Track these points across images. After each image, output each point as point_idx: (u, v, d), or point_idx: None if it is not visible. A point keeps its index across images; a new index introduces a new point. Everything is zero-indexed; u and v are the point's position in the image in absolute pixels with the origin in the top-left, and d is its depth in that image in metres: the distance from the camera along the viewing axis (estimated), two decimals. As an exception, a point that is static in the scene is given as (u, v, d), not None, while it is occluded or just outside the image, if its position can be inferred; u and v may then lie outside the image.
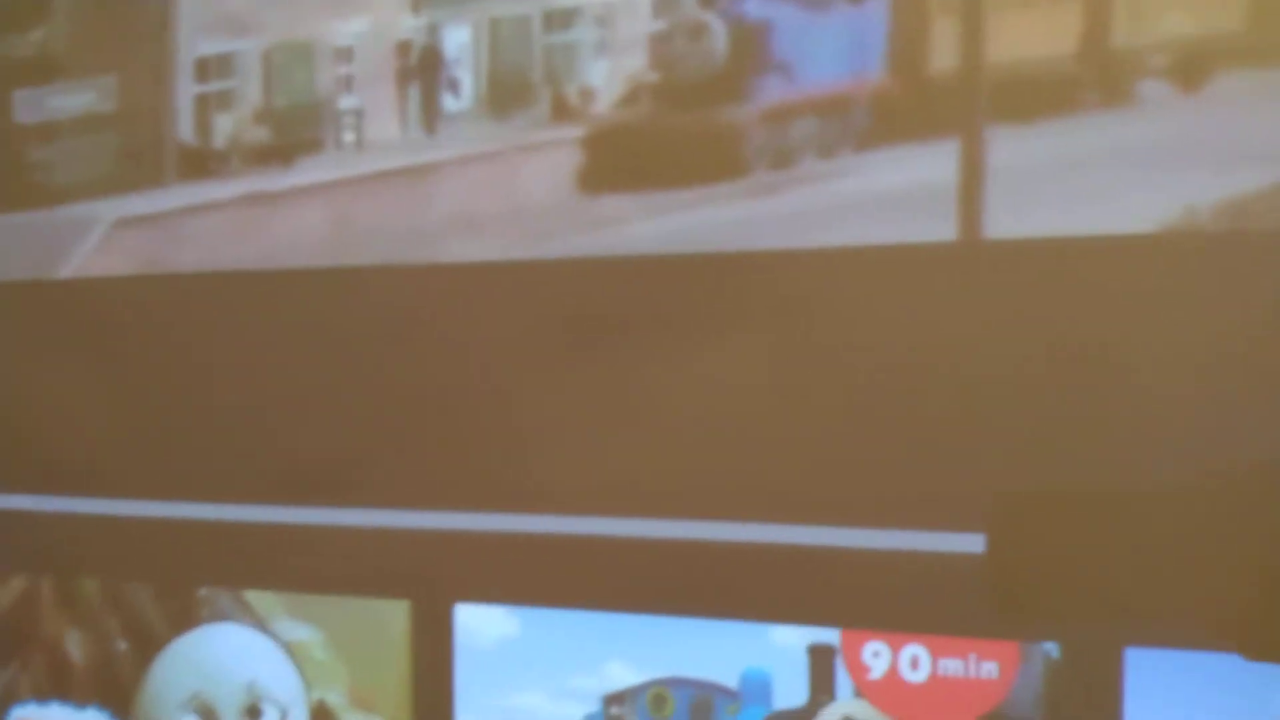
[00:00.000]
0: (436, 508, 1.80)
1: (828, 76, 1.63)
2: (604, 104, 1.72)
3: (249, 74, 1.90)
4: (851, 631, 1.63)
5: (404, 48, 1.82)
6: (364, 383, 1.82)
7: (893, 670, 1.62)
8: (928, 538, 1.57)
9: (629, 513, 1.70)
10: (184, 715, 1.95)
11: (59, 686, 2.03)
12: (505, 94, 1.78)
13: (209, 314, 1.91)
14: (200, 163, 1.93)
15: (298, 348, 1.86)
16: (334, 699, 1.88)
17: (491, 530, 1.77)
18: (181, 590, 1.95)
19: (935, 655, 1.60)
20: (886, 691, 1.62)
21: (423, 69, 1.81)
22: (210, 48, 1.92)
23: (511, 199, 1.77)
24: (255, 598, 1.91)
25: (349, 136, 1.85)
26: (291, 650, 1.90)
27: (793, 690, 1.66)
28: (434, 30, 1.81)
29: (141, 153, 1.96)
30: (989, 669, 1.58)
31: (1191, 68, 1.49)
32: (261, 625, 1.91)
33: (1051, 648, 1.55)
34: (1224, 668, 1.45)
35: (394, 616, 1.83)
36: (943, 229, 1.57)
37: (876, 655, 1.63)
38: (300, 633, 1.89)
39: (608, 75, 1.72)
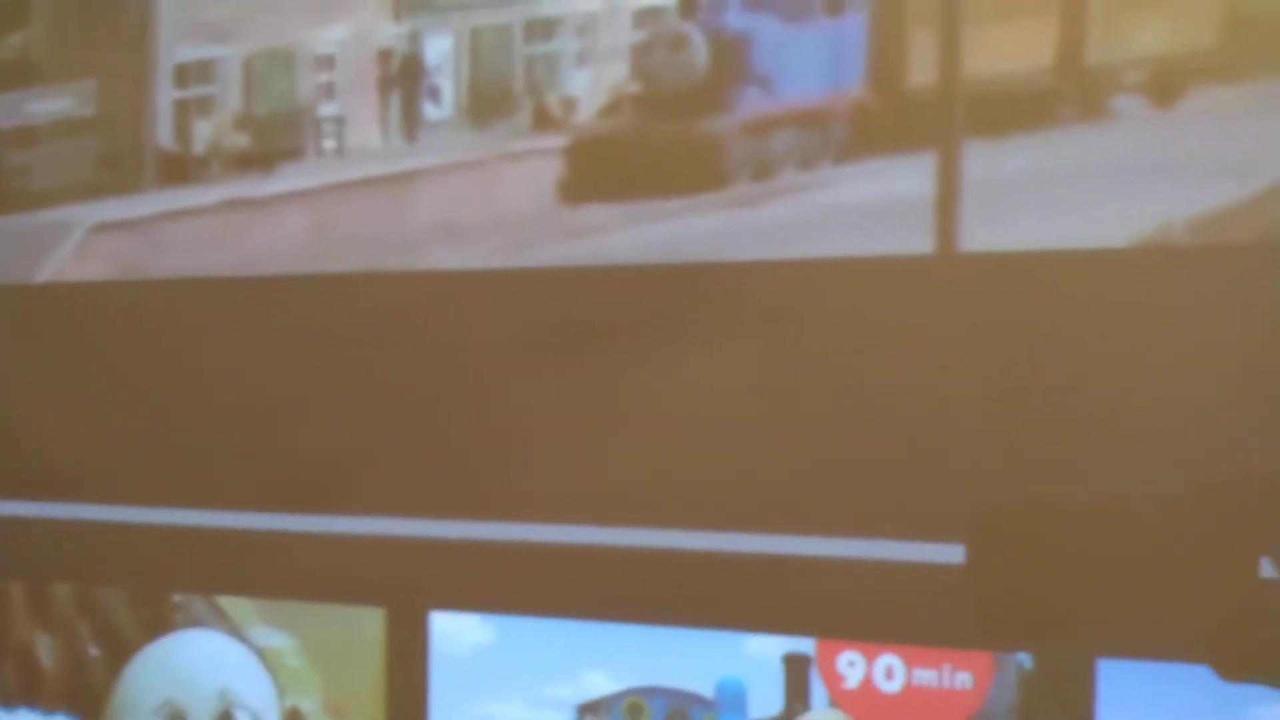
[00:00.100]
0: (411, 515, 1.79)
1: (807, 89, 1.64)
2: (585, 114, 1.73)
3: (229, 80, 1.90)
4: (826, 641, 1.64)
5: (385, 56, 1.82)
6: (341, 390, 1.82)
7: (867, 680, 1.62)
8: (903, 548, 1.58)
9: (604, 521, 1.70)
10: (155, 721, 1.95)
11: (28, 692, 2.02)
12: (486, 103, 1.78)
13: (187, 320, 1.91)
14: (180, 168, 1.93)
15: (275, 355, 1.86)
16: (307, 706, 1.87)
17: (467, 538, 1.76)
18: (155, 596, 1.94)
19: (910, 665, 1.61)
20: (861, 701, 1.63)
21: (404, 77, 1.81)
22: (190, 54, 1.92)
23: (492, 207, 1.77)
24: (230, 604, 1.91)
25: (329, 143, 1.85)
26: (265, 657, 1.89)
27: (768, 700, 1.66)
28: (415, 38, 1.81)
29: (120, 158, 1.95)
30: (963, 679, 1.59)
31: (1166, 83, 1.50)
32: (236, 631, 1.90)
33: (1025, 658, 1.56)
34: (1194, 678, 1.45)
35: (368, 624, 1.83)
36: (920, 241, 1.57)
37: (851, 665, 1.63)
38: (274, 639, 1.89)
39: (589, 85, 1.73)
